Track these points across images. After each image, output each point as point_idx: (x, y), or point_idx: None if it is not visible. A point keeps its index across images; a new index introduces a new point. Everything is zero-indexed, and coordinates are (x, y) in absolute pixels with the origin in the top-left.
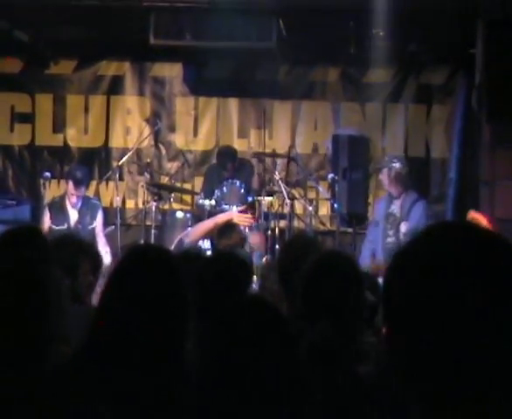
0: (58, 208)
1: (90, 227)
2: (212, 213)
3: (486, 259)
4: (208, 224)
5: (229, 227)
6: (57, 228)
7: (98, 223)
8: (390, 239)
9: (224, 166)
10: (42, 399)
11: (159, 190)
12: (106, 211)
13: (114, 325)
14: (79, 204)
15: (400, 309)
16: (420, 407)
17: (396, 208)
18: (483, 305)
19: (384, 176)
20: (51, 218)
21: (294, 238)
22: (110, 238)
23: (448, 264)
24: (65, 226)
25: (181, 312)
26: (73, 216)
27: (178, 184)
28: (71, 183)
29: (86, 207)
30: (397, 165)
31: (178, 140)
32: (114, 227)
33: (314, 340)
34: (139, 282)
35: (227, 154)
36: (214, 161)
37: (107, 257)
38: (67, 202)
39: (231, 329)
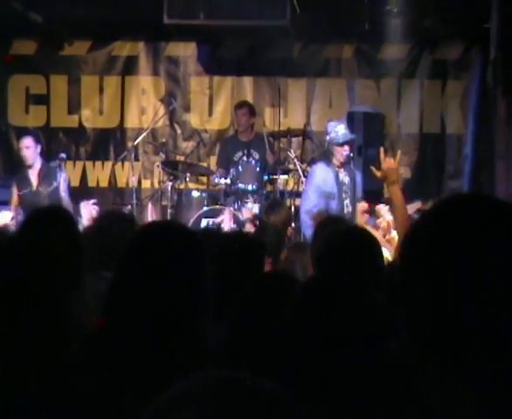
0: (22, 178)
1: (52, 188)
2: (228, 192)
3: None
4: None
5: (277, 204)
6: (21, 193)
7: (59, 182)
8: (347, 209)
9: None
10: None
11: (175, 170)
12: (122, 191)
13: (130, 300)
14: (38, 168)
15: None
16: (437, 375)
17: (344, 177)
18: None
19: (348, 147)
20: (18, 190)
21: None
22: None
23: (470, 235)
24: (28, 190)
25: (199, 286)
26: (34, 179)
27: (194, 163)
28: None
29: (46, 170)
30: None
31: (193, 119)
32: (130, 207)
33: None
34: (154, 255)
35: (247, 102)
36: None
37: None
38: (28, 171)
39: (253, 305)
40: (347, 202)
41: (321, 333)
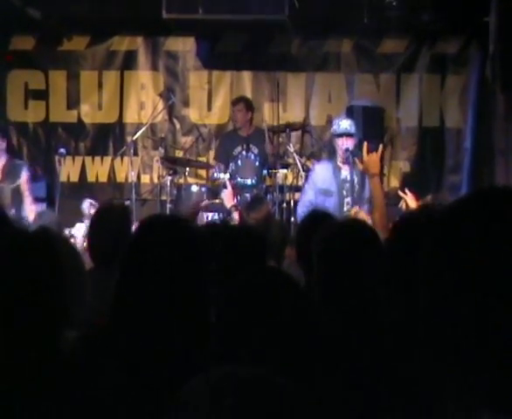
0: None
1: (14, 185)
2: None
3: None
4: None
5: (257, 200)
6: None
7: (23, 181)
8: (349, 207)
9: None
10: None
11: (174, 165)
12: (121, 187)
13: (134, 296)
14: (2, 164)
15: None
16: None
17: (347, 174)
18: None
19: (350, 143)
20: None
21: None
22: None
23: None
24: None
25: (202, 280)
26: None
27: (193, 158)
28: None
29: (10, 166)
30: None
31: (192, 114)
32: (129, 202)
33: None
34: (157, 250)
35: (243, 98)
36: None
37: (31, 215)
38: None
39: (247, 299)
40: (348, 199)
41: (322, 329)
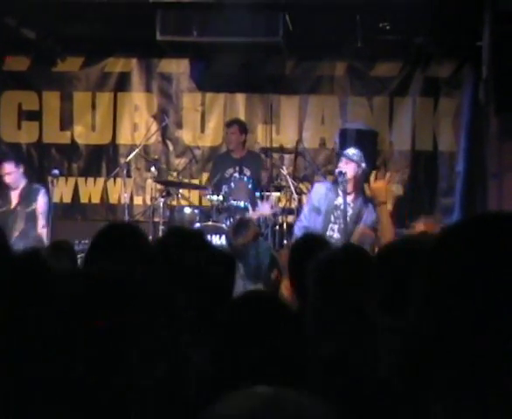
0: (3, 196)
1: (29, 209)
2: (220, 208)
3: None
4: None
5: (243, 225)
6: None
7: (39, 205)
8: (332, 233)
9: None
10: None
11: (167, 186)
12: (114, 208)
13: None
14: (20, 188)
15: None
16: (442, 404)
17: (343, 203)
18: None
19: (348, 168)
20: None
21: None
22: None
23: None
24: (6, 208)
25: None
26: (14, 198)
27: (186, 180)
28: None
29: (27, 190)
30: (364, 165)
31: (186, 136)
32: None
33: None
34: None
35: (237, 121)
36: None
37: (40, 237)
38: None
39: (238, 324)
40: (334, 226)
41: (317, 353)
